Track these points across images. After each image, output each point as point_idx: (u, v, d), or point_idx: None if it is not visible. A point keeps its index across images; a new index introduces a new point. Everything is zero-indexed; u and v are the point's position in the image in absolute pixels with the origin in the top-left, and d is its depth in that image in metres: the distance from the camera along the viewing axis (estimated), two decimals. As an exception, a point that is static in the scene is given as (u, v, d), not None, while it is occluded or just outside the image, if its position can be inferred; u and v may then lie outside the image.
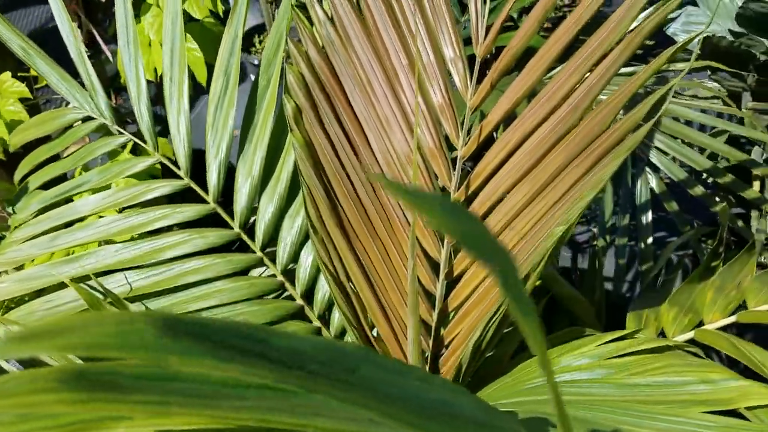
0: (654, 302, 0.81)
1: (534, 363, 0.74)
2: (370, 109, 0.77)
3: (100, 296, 0.77)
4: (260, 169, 0.82)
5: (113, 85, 1.78)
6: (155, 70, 1.49)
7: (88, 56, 1.32)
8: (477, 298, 0.74)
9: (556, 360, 0.71)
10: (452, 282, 0.78)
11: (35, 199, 0.93)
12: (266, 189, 0.83)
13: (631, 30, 0.61)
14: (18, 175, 0.99)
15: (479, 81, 0.73)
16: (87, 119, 0.89)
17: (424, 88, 0.74)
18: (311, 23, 0.78)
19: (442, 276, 0.78)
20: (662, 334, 0.76)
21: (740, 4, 1.48)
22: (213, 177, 0.83)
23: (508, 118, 0.70)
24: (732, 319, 0.69)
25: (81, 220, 0.87)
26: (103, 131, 0.92)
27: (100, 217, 0.85)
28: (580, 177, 0.62)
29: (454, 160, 0.75)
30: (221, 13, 1.55)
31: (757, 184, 1.62)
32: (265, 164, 0.83)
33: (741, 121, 1.40)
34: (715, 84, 1.68)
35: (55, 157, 0.97)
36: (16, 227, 0.93)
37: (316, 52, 0.76)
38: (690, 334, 0.70)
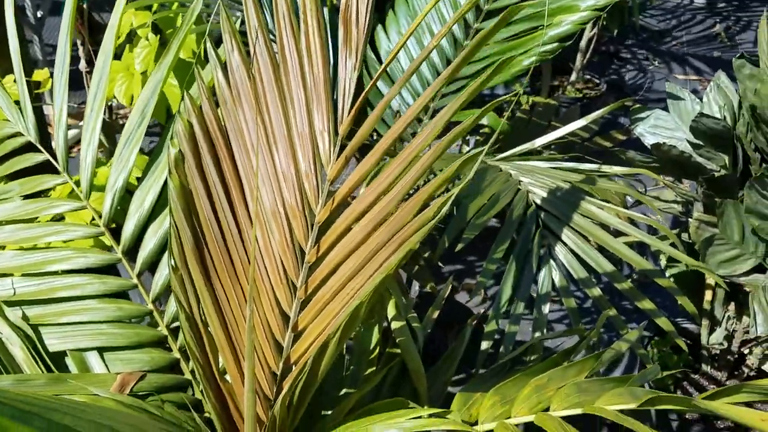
0: (491, 386, 0.85)
1: (358, 423, 0.78)
2: (248, 166, 0.84)
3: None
4: (151, 203, 0.90)
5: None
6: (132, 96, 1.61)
7: (87, 72, 1.43)
8: (308, 354, 0.79)
9: (370, 426, 0.76)
10: (299, 335, 0.83)
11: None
12: (153, 223, 0.90)
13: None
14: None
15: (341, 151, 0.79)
16: (18, 135, 0.98)
17: (296, 154, 0.81)
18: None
19: (290, 328, 0.83)
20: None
21: (693, 117, 1.52)
22: (107, 203, 0.90)
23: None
24: (530, 418, 0.72)
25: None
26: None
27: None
28: (387, 257, 0.67)
29: (312, 223, 0.82)
30: (203, 54, 1.67)
31: (709, 293, 1.63)
32: (158, 200, 0.91)
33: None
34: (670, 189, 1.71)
35: None
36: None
37: (209, 106, 0.84)
38: (492, 425, 0.74)
